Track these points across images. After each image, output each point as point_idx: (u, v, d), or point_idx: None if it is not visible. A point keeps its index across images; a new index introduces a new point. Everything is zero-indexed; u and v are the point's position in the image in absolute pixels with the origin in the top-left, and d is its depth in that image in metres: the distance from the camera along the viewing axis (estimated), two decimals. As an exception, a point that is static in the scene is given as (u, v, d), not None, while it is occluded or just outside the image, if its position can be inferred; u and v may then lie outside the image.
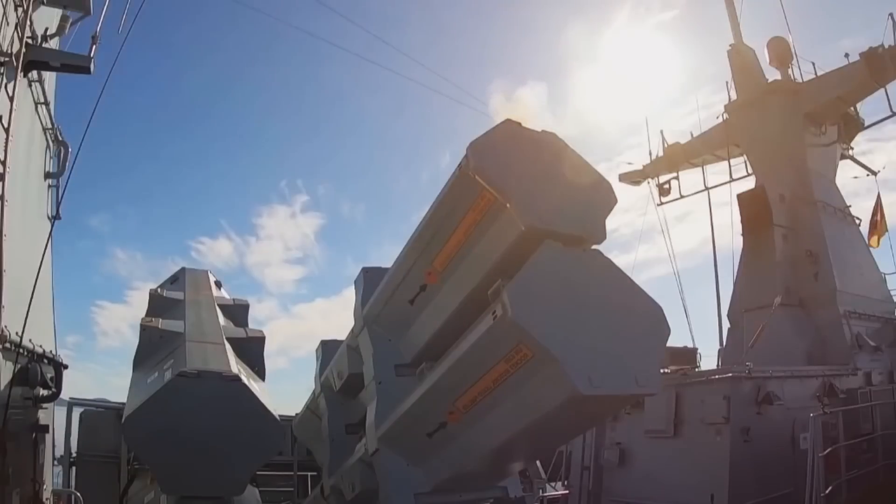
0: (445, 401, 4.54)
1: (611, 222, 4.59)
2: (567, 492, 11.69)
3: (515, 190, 4.20)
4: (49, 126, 7.29)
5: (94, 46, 6.23)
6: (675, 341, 11.31)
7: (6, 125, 5.11)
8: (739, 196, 14.70)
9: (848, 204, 15.83)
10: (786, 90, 15.43)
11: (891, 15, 13.83)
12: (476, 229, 4.49)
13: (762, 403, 9.88)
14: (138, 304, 7.65)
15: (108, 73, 5.84)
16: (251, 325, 7.01)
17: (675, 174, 17.76)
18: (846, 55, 14.71)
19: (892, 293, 15.69)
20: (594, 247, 4.44)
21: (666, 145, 17.66)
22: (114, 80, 5.77)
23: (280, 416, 5.36)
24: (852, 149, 17.40)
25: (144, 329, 5.99)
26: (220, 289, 7.75)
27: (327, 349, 7.06)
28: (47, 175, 7.45)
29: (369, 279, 5.89)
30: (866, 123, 16.75)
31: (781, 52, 15.82)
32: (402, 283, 5.27)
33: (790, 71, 15.82)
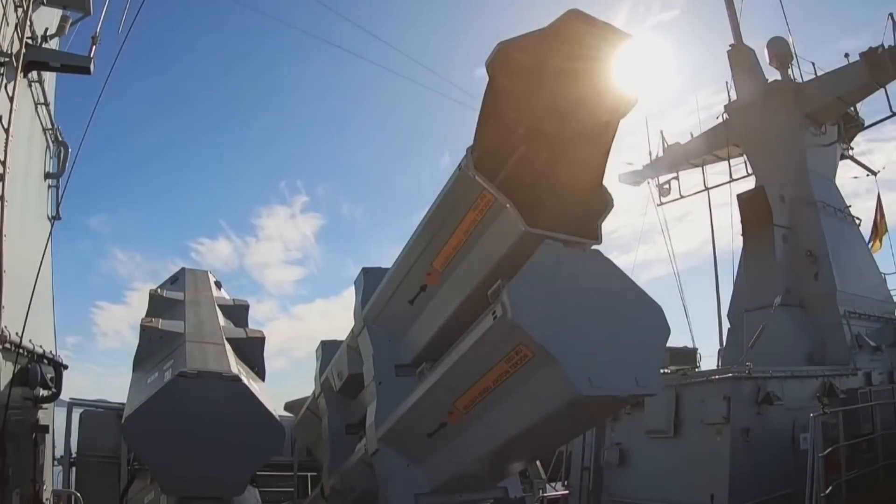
0: (445, 401, 4.54)
1: (611, 223, 4.59)
2: (567, 492, 11.69)
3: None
4: (49, 126, 7.29)
5: (93, 47, 6.23)
6: (675, 341, 11.32)
7: (6, 125, 5.12)
8: (739, 196, 14.70)
9: (848, 204, 15.83)
10: (786, 90, 15.43)
11: (891, 15, 13.83)
12: (476, 230, 4.49)
13: (762, 403, 9.87)
14: (138, 304, 7.67)
15: (107, 74, 5.85)
16: (251, 326, 7.01)
17: (675, 174, 17.77)
18: (846, 55, 14.74)
19: (892, 293, 15.70)
20: (594, 247, 4.44)
21: (666, 145, 17.66)
22: (113, 80, 5.78)
23: (280, 416, 5.35)
24: (852, 149, 17.40)
25: (144, 329, 5.99)
26: (219, 289, 7.75)
27: (327, 349, 7.06)
28: (47, 175, 7.44)
29: (369, 279, 5.90)
30: (866, 123, 16.75)
31: (781, 52, 15.81)
32: (402, 284, 5.28)
33: (790, 71, 15.82)
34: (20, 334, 5.10)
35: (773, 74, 15.94)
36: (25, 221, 6.17)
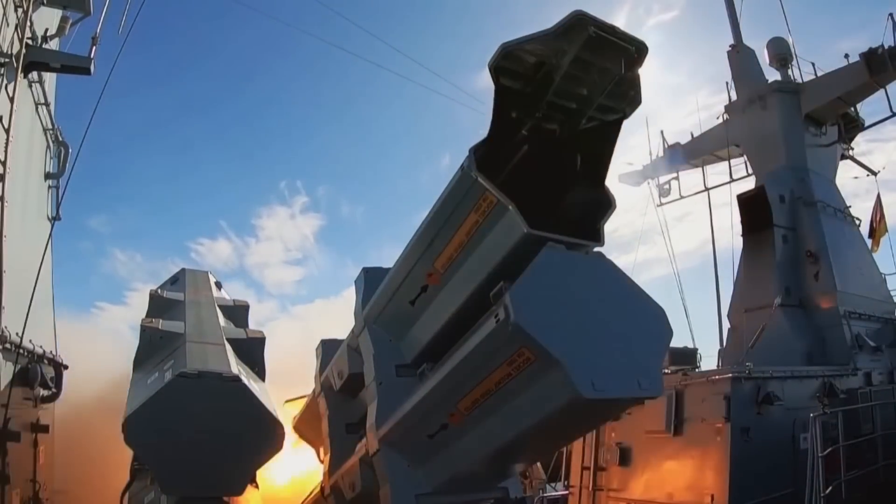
0: (447, 402, 4.53)
1: (611, 223, 4.58)
2: (567, 492, 11.70)
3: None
4: (49, 127, 7.29)
5: (93, 47, 6.23)
6: (675, 342, 11.16)
7: (7, 126, 5.12)
8: (739, 196, 14.69)
9: (848, 204, 15.81)
10: (786, 90, 15.43)
11: (891, 15, 13.82)
12: (478, 231, 4.47)
13: (762, 403, 9.87)
14: (138, 305, 7.66)
15: (108, 74, 5.84)
16: (251, 326, 7.01)
17: (675, 174, 17.76)
18: (846, 55, 14.72)
19: (892, 293, 15.69)
20: (596, 249, 4.44)
21: (666, 145, 17.65)
22: (113, 80, 5.77)
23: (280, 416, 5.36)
24: (852, 149, 17.39)
25: (145, 330, 6.00)
26: (220, 289, 7.76)
27: (327, 349, 7.05)
28: (47, 176, 7.45)
29: (370, 279, 5.88)
30: (866, 123, 16.73)
31: (781, 53, 15.80)
32: (403, 284, 5.26)
33: (790, 71, 15.81)
34: (20, 334, 5.10)
35: (773, 74, 15.93)
36: (25, 222, 6.17)
